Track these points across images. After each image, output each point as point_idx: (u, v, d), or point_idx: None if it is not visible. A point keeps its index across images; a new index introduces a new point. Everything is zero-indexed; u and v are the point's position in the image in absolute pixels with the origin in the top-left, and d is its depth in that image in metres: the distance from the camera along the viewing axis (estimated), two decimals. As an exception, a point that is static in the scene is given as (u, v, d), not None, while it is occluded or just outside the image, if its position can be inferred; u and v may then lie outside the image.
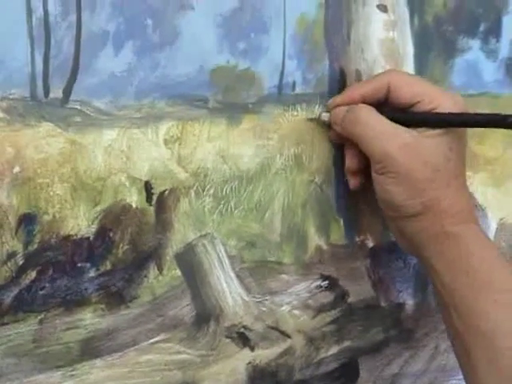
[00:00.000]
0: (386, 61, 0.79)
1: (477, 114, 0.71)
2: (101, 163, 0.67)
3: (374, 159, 0.70)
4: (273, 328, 0.77)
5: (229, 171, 0.73)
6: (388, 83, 0.72)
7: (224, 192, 0.73)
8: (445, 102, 0.70)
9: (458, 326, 0.68)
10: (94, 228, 0.68)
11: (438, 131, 0.69)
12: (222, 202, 0.73)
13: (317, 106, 0.77)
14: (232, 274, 0.74)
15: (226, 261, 0.74)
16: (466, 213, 0.70)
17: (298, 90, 0.76)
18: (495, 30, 0.85)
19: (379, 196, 0.71)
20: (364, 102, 0.72)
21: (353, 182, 0.77)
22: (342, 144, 0.76)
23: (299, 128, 0.77)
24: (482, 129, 0.83)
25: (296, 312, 0.78)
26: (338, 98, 0.75)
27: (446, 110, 0.69)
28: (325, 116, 0.76)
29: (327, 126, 0.77)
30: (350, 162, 0.75)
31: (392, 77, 0.73)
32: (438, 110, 0.70)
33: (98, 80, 0.66)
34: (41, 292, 0.66)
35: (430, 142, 0.69)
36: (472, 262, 0.68)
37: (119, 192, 0.68)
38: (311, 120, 0.77)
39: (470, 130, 0.77)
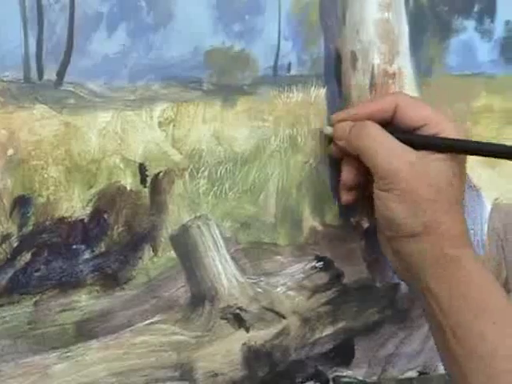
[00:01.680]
0: (381, 42, 0.79)
1: (483, 143, 0.72)
2: (95, 145, 0.67)
3: (378, 175, 0.70)
4: (268, 309, 0.77)
5: (223, 153, 0.73)
6: (395, 104, 0.72)
7: (218, 174, 0.73)
8: (448, 128, 0.70)
9: (455, 349, 0.67)
10: (88, 210, 0.68)
11: (442, 155, 0.69)
12: (217, 184, 0.73)
13: (312, 88, 0.77)
14: (227, 256, 0.74)
15: (221, 242, 0.74)
16: (464, 237, 0.70)
17: (293, 71, 0.76)
18: (490, 10, 0.84)
19: (380, 213, 0.71)
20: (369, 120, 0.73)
21: (345, 198, 0.76)
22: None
23: (294, 109, 0.77)
24: (477, 108, 0.84)
25: (291, 293, 0.78)
26: (343, 113, 0.75)
27: (449, 136, 0.70)
28: (328, 129, 0.76)
29: (329, 139, 0.77)
30: (347, 177, 0.75)
31: (400, 99, 0.73)
32: (442, 135, 0.70)
33: (91, 62, 0.67)
34: (36, 274, 0.66)
35: (435, 164, 0.69)
36: (470, 286, 0.68)
37: (113, 174, 0.69)
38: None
39: (466, 111, 0.78)
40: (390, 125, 0.73)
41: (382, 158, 0.69)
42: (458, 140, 0.70)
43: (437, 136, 0.70)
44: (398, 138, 0.70)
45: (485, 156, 0.74)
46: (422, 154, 0.69)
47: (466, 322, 0.67)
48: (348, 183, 0.75)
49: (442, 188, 0.69)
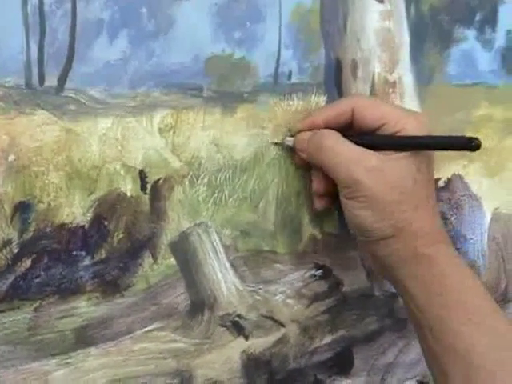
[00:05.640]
0: (382, 50, 0.79)
1: (441, 137, 0.71)
2: (95, 152, 0.67)
3: (341, 184, 0.70)
4: (267, 317, 0.77)
5: (223, 160, 0.73)
6: (352, 107, 0.72)
7: (218, 181, 0.73)
8: (409, 124, 0.69)
9: (433, 346, 0.68)
10: (88, 216, 0.68)
11: (403, 153, 0.69)
12: (216, 191, 0.73)
13: (313, 96, 0.77)
14: (226, 263, 0.74)
15: (221, 250, 0.74)
16: (437, 233, 0.71)
17: (293, 79, 0.77)
18: (491, 20, 0.85)
19: (349, 221, 0.71)
20: (328, 127, 0.72)
21: (318, 205, 0.77)
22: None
23: (294, 117, 0.77)
24: (478, 119, 0.84)
25: (290, 301, 0.78)
26: (301, 124, 0.75)
27: (411, 132, 0.69)
28: (289, 141, 0.76)
29: (292, 150, 0.77)
30: (318, 185, 0.75)
31: (355, 101, 0.73)
32: (402, 133, 0.69)
33: (92, 68, 0.66)
34: (36, 280, 0.66)
35: (397, 164, 0.69)
36: (445, 282, 0.68)
37: (114, 180, 0.68)
38: (276, 144, 0.77)
39: (466, 120, 0.78)
40: (351, 129, 0.72)
41: (341, 167, 0.69)
42: (414, 137, 0.69)
43: (396, 135, 0.70)
44: (358, 142, 0.70)
45: (443, 150, 0.73)
46: (383, 155, 0.69)
47: (442, 318, 0.67)
48: (320, 191, 0.76)
49: (407, 187, 0.69)
